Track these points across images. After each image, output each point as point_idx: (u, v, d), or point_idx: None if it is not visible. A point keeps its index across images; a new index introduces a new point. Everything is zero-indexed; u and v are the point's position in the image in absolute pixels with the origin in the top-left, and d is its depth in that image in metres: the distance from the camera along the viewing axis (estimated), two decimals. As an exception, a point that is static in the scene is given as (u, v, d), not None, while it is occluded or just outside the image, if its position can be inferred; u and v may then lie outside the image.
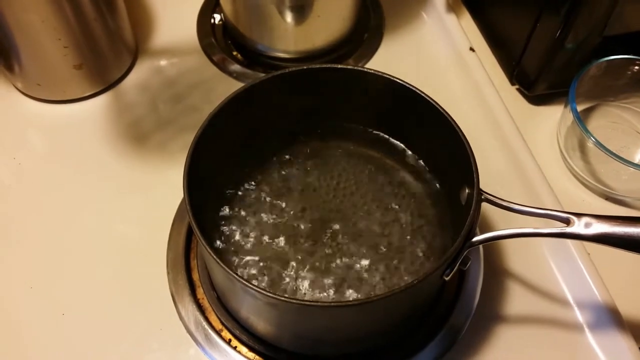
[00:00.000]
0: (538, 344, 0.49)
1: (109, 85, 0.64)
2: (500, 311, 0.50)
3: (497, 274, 0.52)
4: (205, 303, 0.50)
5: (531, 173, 0.57)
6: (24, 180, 0.58)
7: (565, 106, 0.58)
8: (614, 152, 0.54)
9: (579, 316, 0.50)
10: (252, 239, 0.48)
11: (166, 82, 0.65)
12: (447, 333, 0.49)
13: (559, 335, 0.49)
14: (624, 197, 0.58)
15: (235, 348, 0.48)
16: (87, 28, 0.58)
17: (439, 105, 0.46)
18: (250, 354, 0.48)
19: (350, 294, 0.46)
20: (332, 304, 0.39)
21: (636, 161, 0.59)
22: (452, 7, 0.70)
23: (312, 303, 0.40)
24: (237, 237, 0.48)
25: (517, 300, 0.51)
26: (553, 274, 0.53)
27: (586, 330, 0.49)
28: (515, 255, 0.53)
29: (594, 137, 0.54)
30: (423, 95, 0.47)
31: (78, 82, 0.62)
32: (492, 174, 0.56)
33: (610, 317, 0.49)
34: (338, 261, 0.47)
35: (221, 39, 0.70)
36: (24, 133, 0.61)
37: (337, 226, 0.49)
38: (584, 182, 0.59)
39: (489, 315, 0.50)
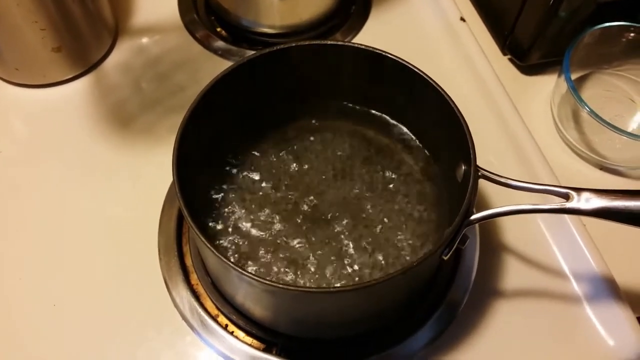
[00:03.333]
0: (536, 316, 0.49)
1: (89, 67, 0.62)
2: (498, 285, 0.50)
3: (494, 248, 0.52)
4: (200, 289, 0.49)
5: (525, 145, 0.56)
6: (7, 168, 0.56)
7: (559, 76, 0.57)
8: (608, 121, 0.53)
9: (577, 288, 0.50)
10: (245, 219, 0.47)
11: (149, 61, 0.63)
12: (446, 309, 0.49)
13: (557, 308, 0.49)
14: (618, 167, 0.57)
15: (232, 333, 0.47)
16: (65, 9, 0.56)
17: (433, 80, 0.45)
18: (248, 339, 0.47)
19: (348, 275, 0.45)
20: (330, 289, 0.38)
21: (630, 130, 0.59)
22: (440, -24, 0.68)
23: (309, 289, 0.40)
24: (230, 218, 0.47)
25: (514, 274, 0.51)
26: (549, 246, 0.52)
27: (584, 302, 0.49)
28: (511, 229, 0.53)
29: (588, 107, 0.54)
30: (415, 69, 0.46)
31: (58, 65, 0.60)
32: (485, 147, 0.55)
33: (608, 288, 0.49)
34: (334, 242, 0.46)
35: (204, 15, 0.68)
36: (3, 120, 0.59)
37: (332, 206, 0.48)
38: (578, 153, 0.58)
39: (487, 290, 0.50)
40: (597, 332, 0.48)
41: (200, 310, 0.48)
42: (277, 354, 0.46)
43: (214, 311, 0.48)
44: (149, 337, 0.47)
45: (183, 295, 0.49)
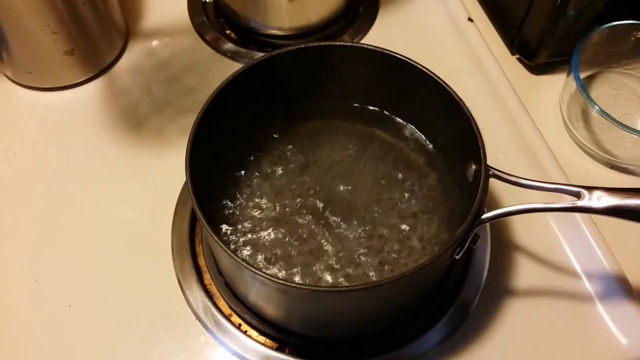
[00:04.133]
0: (548, 315, 0.49)
1: (101, 70, 0.63)
2: (509, 284, 0.50)
3: (505, 247, 0.52)
4: (213, 289, 0.50)
5: (535, 144, 0.56)
6: (21, 171, 0.56)
7: (568, 75, 0.57)
8: (617, 119, 0.53)
9: (589, 287, 0.50)
10: (257, 219, 0.48)
11: (159, 64, 0.64)
12: (458, 309, 0.49)
13: (568, 306, 0.49)
14: (628, 165, 0.57)
15: (245, 332, 0.48)
16: (76, 12, 0.57)
17: (442, 80, 0.45)
18: (261, 338, 0.48)
19: (360, 275, 0.45)
20: (342, 289, 0.39)
21: (639, 128, 0.59)
22: (448, -24, 0.68)
23: (321, 288, 0.40)
24: (242, 217, 0.48)
25: (525, 273, 0.51)
26: (560, 244, 0.52)
27: (596, 300, 0.49)
28: (522, 227, 0.53)
29: (597, 106, 0.54)
30: (424, 69, 0.46)
31: (70, 69, 0.60)
32: (495, 146, 0.55)
33: (620, 287, 0.49)
34: (345, 242, 0.47)
35: (213, 18, 0.68)
36: (17, 123, 0.60)
37: (341, 205, 0.48)
38: (588, 151, 0.58)
39: (499, 289, 0.50)
40: (610, 330, 0.48)
41: (213, 309, 0.48)
42: (290, 353, 0.47)
43: (227, 311, 0.49)
44: (163, 337, 0.48)
45: (197, 295, 0.49)
